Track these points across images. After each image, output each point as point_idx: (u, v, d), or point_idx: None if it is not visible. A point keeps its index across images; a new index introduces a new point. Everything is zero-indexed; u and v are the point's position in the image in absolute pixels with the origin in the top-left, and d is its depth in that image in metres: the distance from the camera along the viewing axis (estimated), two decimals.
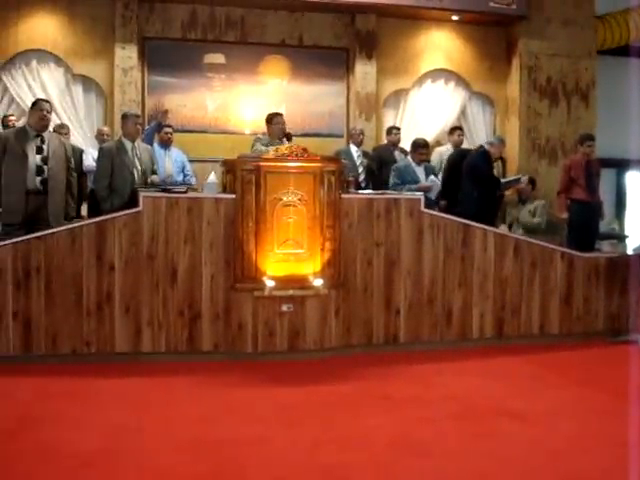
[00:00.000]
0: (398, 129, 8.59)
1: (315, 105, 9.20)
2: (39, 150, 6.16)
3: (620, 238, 8.29)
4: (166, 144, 7.82)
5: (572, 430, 4.26)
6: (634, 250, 7.52)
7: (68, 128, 8.07)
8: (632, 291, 6.89)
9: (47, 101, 6.55)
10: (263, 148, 6.65)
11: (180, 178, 7.77)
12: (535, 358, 6.09)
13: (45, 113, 6.20)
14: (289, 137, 7.23)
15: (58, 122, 8.21)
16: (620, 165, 10.48)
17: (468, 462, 3.71)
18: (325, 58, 9.26)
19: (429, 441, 4.02)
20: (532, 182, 8.51)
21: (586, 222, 7.51)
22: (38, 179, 6.13)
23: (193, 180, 7.92)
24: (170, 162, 7.77)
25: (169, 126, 7.96)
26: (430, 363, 5.83)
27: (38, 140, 6.18)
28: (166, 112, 8.06)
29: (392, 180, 7.47)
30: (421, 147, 7.64)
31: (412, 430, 4.21)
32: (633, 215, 10.42)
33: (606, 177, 9.20)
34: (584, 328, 6.74)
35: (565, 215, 7.67)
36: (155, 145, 7.67)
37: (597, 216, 7.71)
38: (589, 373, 5.74)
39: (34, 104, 6.35)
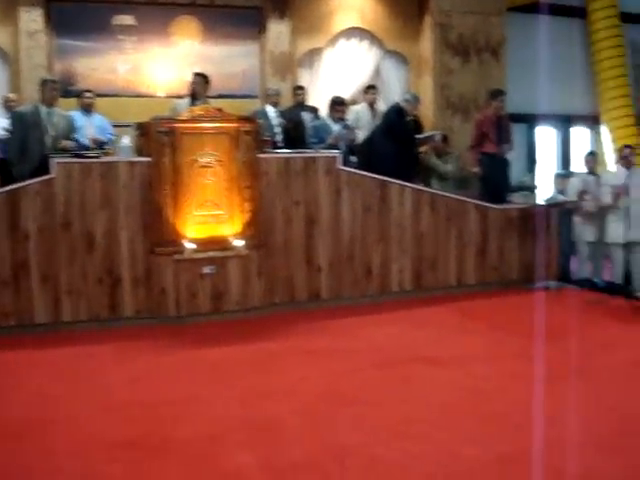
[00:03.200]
0: (302, 88, 8.54)
1: (229, 66, 9.06)
2: None
3: (531, 190, 8.56)
4: (87, 109, 7.58)
5: (488, 371, 4.46)
6: (545, 201, 7.79)
7: None
8: (543, 240, 7.17)
9: None
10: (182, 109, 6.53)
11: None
12: (453, 307, 6.30)
13: None
14: None
15: None
16: (530, 120, 10.77)
17: (392, 407, 3.84)
18: (237, 18, 9.11)
19: (354, 390, 4.14)
20: (445, 139, 8.67)
21: (498, 175, 7.72)
22: None
23: None
24: (92, 127, 7.54)
25: (89, 91, 7.72)
26: (352, 317, 5.95)
27: None
28: None
29: (310, 139, 7.49)
30: (338, 104, 7.69)
31: (337, 381, 4.32)
32: (543, 168, 10.77)
33: (517, 132, 9.43)
34: (499, 277, 6.99)
35: (478, 169, 7.86)
36: (77, 111, 7.42)
37: (508, 169, 7.93)
38: (503, 319, 5.98)
39: None
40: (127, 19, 8.83)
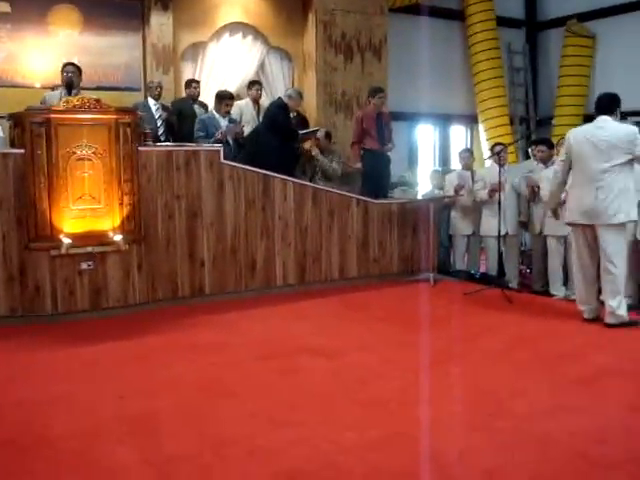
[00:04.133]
0: (197, 82, 8.48)
1: (110, 57, 8.82)
2: None
3: (411, 185, 8.81)
4: None
5: (368, 360, 4.56)
6: (424, 196, 8.05)
7: None
8: (422, 234, 7.40)
9: None
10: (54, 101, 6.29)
11: None
12: (335, 299, 6.41)
13: None
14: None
15: None
16: (411, 118, 11.09)
17: (273, 398, 3.87)
18: (119, 8, 8.88)
19: (235, 382, 4.14)
20: (329, 135, 8.78)
21: (378, 170, 7.91)
22: None
23: None
24: None
25: None
26: (236, 311, 5.94)
27: None
28: None
29: (197, 133, 7.42)
30: (227, 99, 7.67)
31: (219, 374, 4.30)
32: (423, 164, 11.12)
33: (398, 129, 9.67)
34: (380, 270, 7.17)
35: (359, 164, 8.02)
36: None
37: (389, 165, 8.13)
38: (384, 310, 6.13)
39: None
40: (2, 6, 8.44)
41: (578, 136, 5.54)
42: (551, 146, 7.42)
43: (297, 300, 6.32)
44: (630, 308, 5.58)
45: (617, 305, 5.30)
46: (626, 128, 5.39)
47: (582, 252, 5.52)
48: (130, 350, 4.84)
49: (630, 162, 5.32)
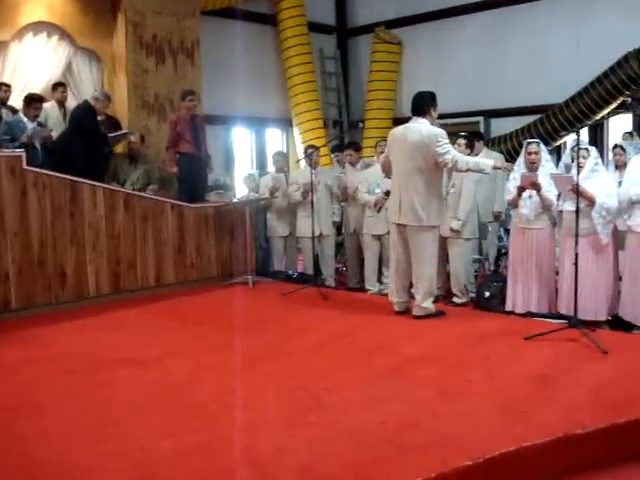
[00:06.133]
0: (8, 86, 7.97)
1: None
2: None
3: (227, 189, 8.82)
4: None
5: (186, 366, 4.50)
6: (240, 199, 8.07)
7: None
8: (239, 237, 7.43)
9: None
10: None
11: None
12: (152, 307, 6.27)
13: None
14: None
15: None
16: (226, 122, 11.09)
17: (88, 412, 3.72)
18: None
19: (47, 399, 3.94)
20: (142, 139, 8.59)
21: (194, 174, 7.83)
22: None
23: None
24: None
25: None
26: (47, 325, 5.64)
27: None
28: None
29: (1, 137, 6.96)
30: (36, 102, 7.27)
31: (29, 391, 4.08)
32: (239, 167, 11.16)
33: (214, 133, 9.65)
34: (198, 275, 7.12)
35: (175, 169, 7.91)
36: None
37: (205, 168, 8.08)
38: (203, 315, 6.09)
39: None
40: None
41: (393, 136, 5.67)
42: (358, 149, 7.73)
43: (112, 310, 6.11)
44: (437, 299, 5.94)
45: (424, 299, 5.60)
46: (429, 129, 5.41)
47: (398, 248, 5.71)
48: None
49: (436, 165, 5.42)
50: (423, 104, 5.54)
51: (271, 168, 8.99)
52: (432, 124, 5.53)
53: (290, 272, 7.87)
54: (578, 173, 5.15)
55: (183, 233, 6.96)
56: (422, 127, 5.46)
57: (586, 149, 5.61)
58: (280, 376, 4.25)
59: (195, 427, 3.47)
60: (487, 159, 6.06)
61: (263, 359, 4.60)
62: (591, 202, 5.49)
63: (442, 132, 5.44)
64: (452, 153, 5.43)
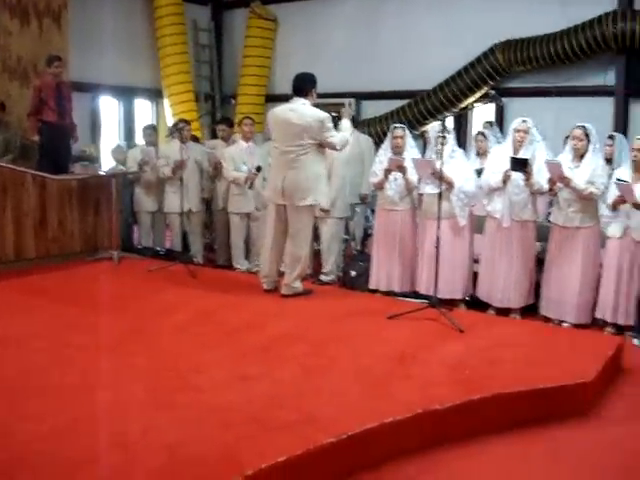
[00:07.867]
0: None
1: None
2: None
3: (92, 160, 8.51)
4: None
5: (46, 346, 4.36)
6: (106, 172, 7.81)
7: None
8: (105, 211, 7.22)
9: None
10: None
11: None
12: (12, 284, 5.98)
13: None
14: None
15: None
16: (93, 90, 10.65)
17: None
18: None
19: None
20: (3, 106, 8.13)
21: (57, 144, 7.51)
22: None
23: None
24: None
25: None
26: None
27: None
28: None
29: None
30: None
31: None
32: (106, 138, 10.77)
33: (80, 101, 9.26)
34: (61, 249, 6.86)
35: (37, 137, 7.55)
36: None
37: (69, 138, 7.77)
38: (65, 292, 5.88)
39: None
40: None
41: (275, 116, 5.65)
42: (231, 125, 7.68)
43: None
44: (305, 277, 6.06)
45: (295, 279, 5.69)
46: (315, 113, 5.46)
47: (275, 227, 5.72)
48: None
49: (320, 146, 5.50)
50: (305, 85, 5.58)
51: (139, 140, 8.77)
52: (312, 105, 5.60)
53: (157, 248, 7.75)
54: (441, 158, 5.39)
55: (45, 206, 6.67)
56: (306, 110, 5.49)
57: (444, 136, 5.81)
58: (147, 356, 4.19)
59: (58, 409, 3.38)
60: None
61: (129, 339, 4.53)
62: (450, 185, 5.75)
63: (328, 116, 5.51)
64: (338, 136, 5.59)
